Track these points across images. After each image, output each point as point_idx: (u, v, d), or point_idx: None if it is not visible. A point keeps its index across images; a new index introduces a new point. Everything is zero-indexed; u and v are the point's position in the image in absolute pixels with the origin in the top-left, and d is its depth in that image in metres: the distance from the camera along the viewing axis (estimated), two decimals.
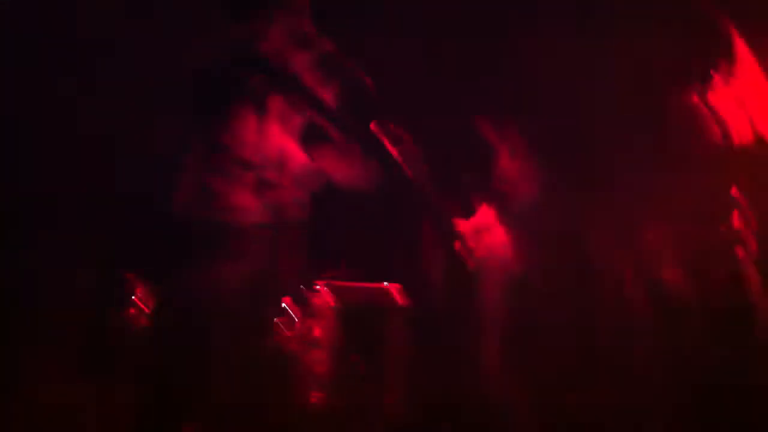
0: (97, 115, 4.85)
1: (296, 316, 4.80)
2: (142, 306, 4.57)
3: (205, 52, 4.94)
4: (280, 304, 4.85)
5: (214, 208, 4.79)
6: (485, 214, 5.20)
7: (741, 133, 4.93)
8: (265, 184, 4.88)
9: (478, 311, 5.07)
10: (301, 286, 4.91)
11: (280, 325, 4.83)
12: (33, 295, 4.55)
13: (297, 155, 5.01)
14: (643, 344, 4.95)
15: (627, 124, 5.16)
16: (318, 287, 4.93)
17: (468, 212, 5.27)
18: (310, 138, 5.03)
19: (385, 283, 5.02)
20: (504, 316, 5.02)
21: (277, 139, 4.89)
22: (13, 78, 4.72)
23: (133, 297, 4.60)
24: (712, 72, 4.91)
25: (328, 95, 5.03)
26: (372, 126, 5.27)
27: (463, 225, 5.23)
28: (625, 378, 4.90)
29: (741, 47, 4.88)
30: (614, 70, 5.22)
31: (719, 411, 4.59)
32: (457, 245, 5.13)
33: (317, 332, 4.85)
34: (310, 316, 4.83)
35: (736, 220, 4.90)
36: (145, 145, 4.80)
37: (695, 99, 4.88)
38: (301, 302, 4.83)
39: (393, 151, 5.29)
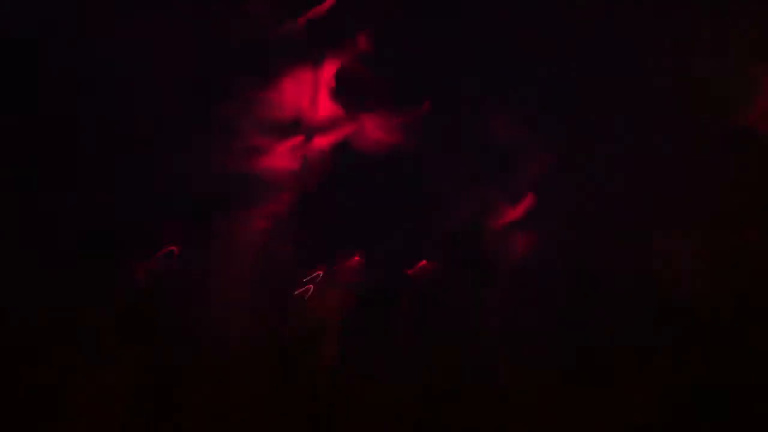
0: (99, 99, 4.88)
1: (305, 297, 4.81)
2: (146, 286, 4.55)
3: (205, 34, 4.99)
4: (287, 284, 4.87)
5: (217, 179, 4.91)
6: (502, 210, 5.13)
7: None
8: (296, 134, 4.94)
9: (486, 302, 5.04)
10: (309, 268, 4.91)
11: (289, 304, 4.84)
12: (34, 281, 4.63)
13: (332, 109, 5.02)
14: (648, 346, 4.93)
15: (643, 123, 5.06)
16: (325, 269, 4.92)
17: (484, 205, 5.22)
18: (347, 92, 5.02)
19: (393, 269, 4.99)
20: (512, 307, 4.99)
21: (287, 106, 4.95)
22: (13, 77, 4.81)
23: (135, 278, 4.59)
24: None
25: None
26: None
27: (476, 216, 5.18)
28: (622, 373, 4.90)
29: None
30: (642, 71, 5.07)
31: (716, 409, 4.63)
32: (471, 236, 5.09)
33: (326, 314, 4.86)
34: (318, 297, 4.82)
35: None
36: (145, 127, 4.89)
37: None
38: (310, 283, 4.83)
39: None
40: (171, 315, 4.64)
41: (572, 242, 4.97)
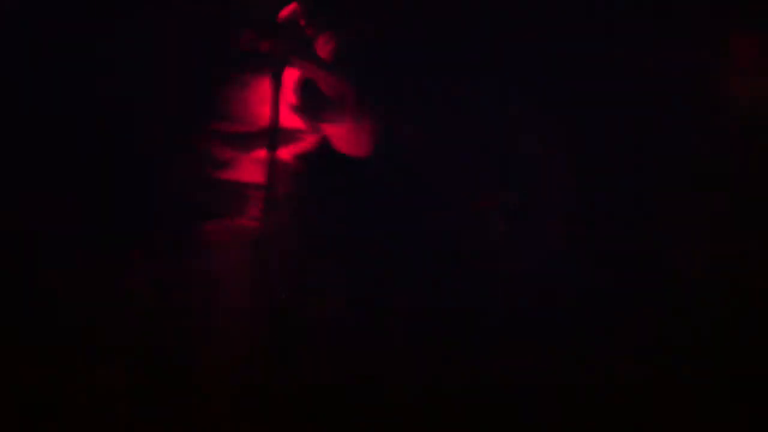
0: (96, 92, 4.78)
1: (294, 291, 4.64)
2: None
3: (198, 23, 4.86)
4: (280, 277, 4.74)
5: (209, 172, 4.79)
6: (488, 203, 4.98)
7: None
8: (260, 146, 4.79)
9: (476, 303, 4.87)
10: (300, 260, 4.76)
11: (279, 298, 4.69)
12: (30, 282, 4.61)
13: (294, 119, 4.87)
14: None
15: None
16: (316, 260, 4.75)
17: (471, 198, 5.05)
18: (310, 101, 4.88)
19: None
20: (504, 313, 4.83)
21: (277, 103, 4.78)
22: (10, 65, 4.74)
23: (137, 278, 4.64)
24: None
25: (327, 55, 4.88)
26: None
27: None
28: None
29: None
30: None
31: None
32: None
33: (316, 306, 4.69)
34: (307, 291, 4.66)
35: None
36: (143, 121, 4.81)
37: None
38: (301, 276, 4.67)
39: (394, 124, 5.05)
40: (169, 315, 4.60)
41: (572, 243, 4.82)
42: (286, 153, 4.83)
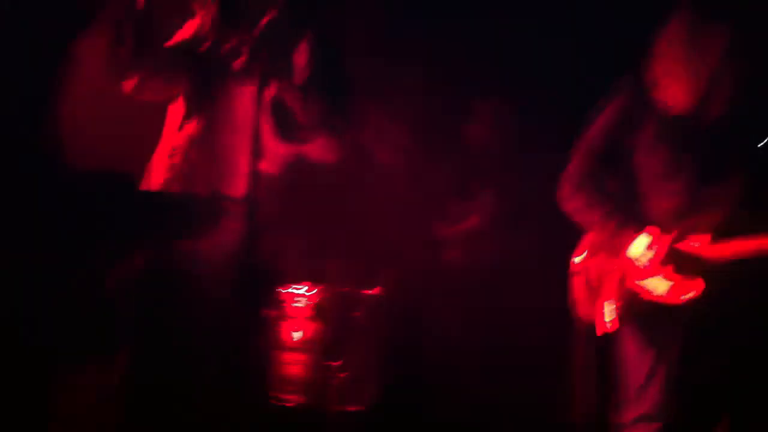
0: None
1: (272, 313, 4.65)
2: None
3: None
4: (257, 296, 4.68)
5: (192, 184, 4.68)
6: (469, 215, 5.04)
7: None
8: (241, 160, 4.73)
9: (455, 311, 4.97)
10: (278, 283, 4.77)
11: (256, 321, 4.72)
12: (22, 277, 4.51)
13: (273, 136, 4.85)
14: None
15: None
16: (295, 284, 4.77)
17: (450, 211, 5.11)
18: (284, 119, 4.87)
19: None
20: (480, 318, 4.93)
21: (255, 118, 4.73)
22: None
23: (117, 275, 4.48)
24: None
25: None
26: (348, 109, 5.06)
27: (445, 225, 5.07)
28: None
29: None
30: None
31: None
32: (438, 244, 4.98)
33: (294, 330, 4.71)
34: (285, 313, 4.67)
35: None
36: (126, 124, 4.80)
37: None
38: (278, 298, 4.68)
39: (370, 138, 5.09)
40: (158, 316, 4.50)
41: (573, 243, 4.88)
42: (267, 166, 4.84)
